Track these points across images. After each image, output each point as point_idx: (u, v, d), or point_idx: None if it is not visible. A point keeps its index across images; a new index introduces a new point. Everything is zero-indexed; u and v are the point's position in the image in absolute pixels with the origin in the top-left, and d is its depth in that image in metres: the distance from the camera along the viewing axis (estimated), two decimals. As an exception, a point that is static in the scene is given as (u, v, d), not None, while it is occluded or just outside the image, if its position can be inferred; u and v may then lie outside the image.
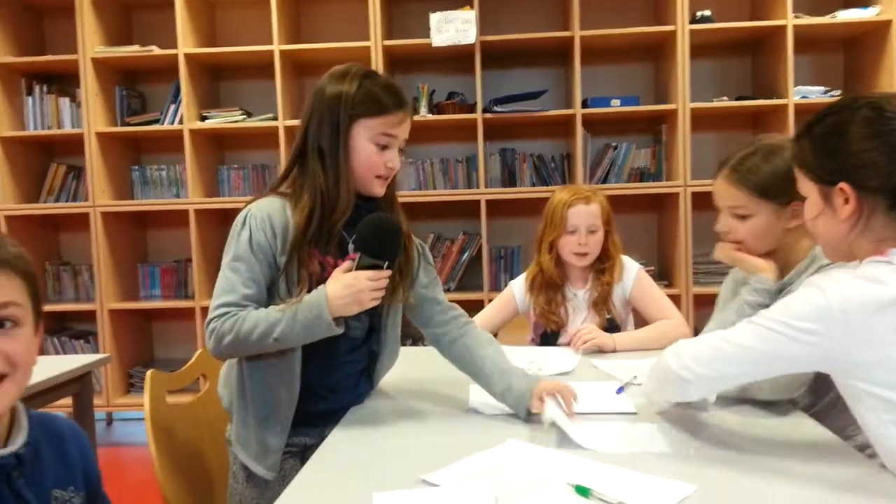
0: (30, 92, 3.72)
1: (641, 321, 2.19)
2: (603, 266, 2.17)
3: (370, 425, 1.39)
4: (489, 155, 3.69)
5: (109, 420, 4.01)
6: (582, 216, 2.11)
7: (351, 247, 1.43)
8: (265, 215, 1.39)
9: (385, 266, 1.34)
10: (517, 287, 2.25)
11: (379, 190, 1.45)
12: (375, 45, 3.47)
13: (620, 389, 1.56)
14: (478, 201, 3.53)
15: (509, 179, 3.73)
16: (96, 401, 3.65)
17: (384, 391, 1.63)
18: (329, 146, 1.40)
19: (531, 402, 1.37)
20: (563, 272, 2.20)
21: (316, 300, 1.32)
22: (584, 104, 3.48)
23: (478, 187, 3.60)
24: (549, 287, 2.18)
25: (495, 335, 2.23)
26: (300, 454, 1.50)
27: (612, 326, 2.11)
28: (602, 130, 3.71)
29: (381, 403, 1.55)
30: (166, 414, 1.44)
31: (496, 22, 3.64)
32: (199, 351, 1.64)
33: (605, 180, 3.65)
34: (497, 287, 3.63)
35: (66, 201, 3.87)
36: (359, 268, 1.33)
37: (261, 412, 1.41)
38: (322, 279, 1.38)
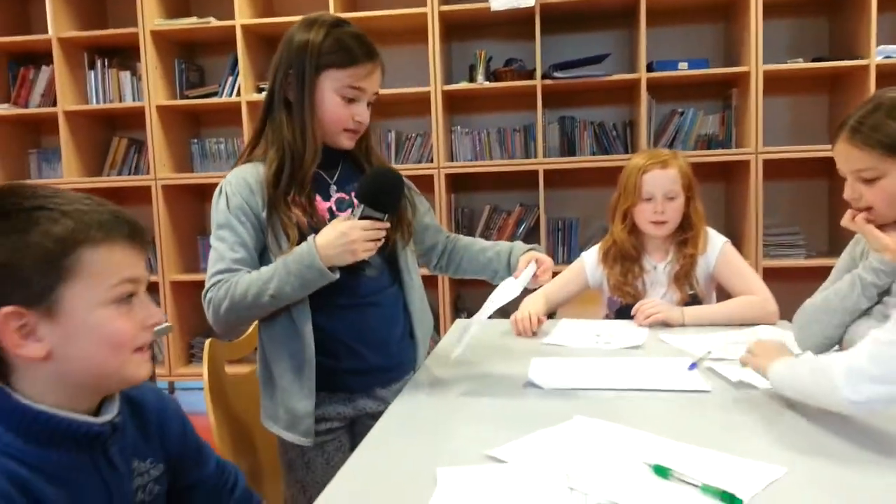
0: (92, 66, 3.77)
1: (726, 298, 2.03)
2: (685, 236, 2.02)
3: (429, 398, 1.35)
4: (548, 123, 3.58)
5: (171, 389, 4.10)
6: (658, 182, 1.97)
7: (342, 193, 1.44)
8: (239, 179, 1.38)
9: (385, 219, 1.33)
10: (589, 259, 2.15)
11: (347, 143, 1.43)
12: (432, 11, 3.38)
13: (693, 366, 1.48)
14: (535, 172, 3.43)
15: (568, 149, 3.61)
16: (159, 370, 3.75)
17: (440, 364, 1.58)
18: (295, 97, 1.37)
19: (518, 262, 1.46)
20: (640, 243, 2.07)
21: (306, 249, 1.30)
22: (650, 68, 3.33)
23: (535, 157, 3.50)
24: (625, 258, 2.06)
25: (555, 311, 2.15)
26: (348, 429, 1.46)
27: (694, 302, 2.00)
28: (668, 96, 3.55)
29: (437, 376, 1.50)
30: (225, 384, 1.43)
31: (556, -16, 3.50)
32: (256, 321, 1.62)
33: (670, 148, 3.49)
34: (555, 260, 3.53)
35: (129, 174, 3.93)
36: (360, 218, 1.31)
37: (284, 378, 1.38)
38: (312, 225, 1.36)
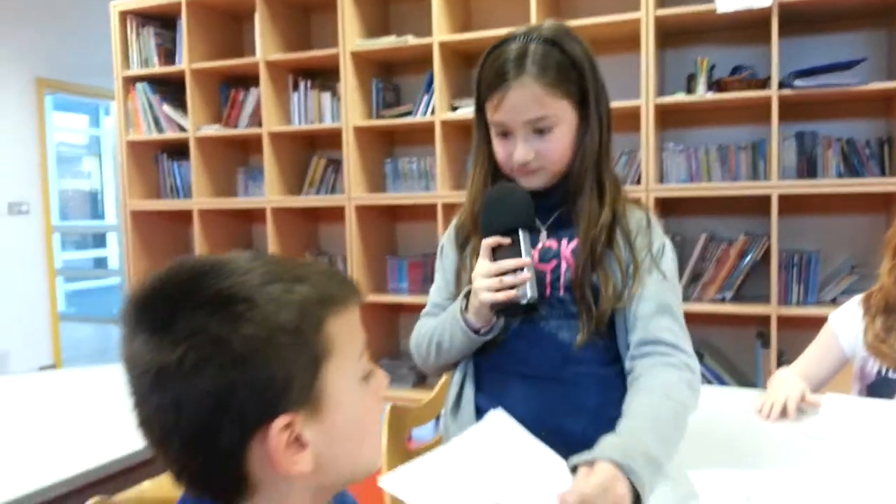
0: (295, 88, 3.83)
1: None
2: None
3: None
4: (783, 139, 3.05)
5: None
6: None
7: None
8: (461, 221, 1.24)
9: (514, 239, 1.05)
10: (838, 319, 1.66)
11: (527, 184, 1.13)
12: (647, 16, 3.01)
13: None
14: (766, 196, 2.93)
15: (808, 169, 3.06)
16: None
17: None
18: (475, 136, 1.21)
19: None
20: None
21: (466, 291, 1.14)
22: (920, 73, 2.72)
23: (766, 179, 2.99)
24: (890, 311, 1.55)
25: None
26: None
27: None
28: (940, 106, 2.90)
29: None
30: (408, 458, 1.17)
31: (800, -24, 2.98)
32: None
33: (943, 170, 2.84)
34: (787, 299, 3.00)
35: (326, 193, 3.95)
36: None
37: None
38: None
